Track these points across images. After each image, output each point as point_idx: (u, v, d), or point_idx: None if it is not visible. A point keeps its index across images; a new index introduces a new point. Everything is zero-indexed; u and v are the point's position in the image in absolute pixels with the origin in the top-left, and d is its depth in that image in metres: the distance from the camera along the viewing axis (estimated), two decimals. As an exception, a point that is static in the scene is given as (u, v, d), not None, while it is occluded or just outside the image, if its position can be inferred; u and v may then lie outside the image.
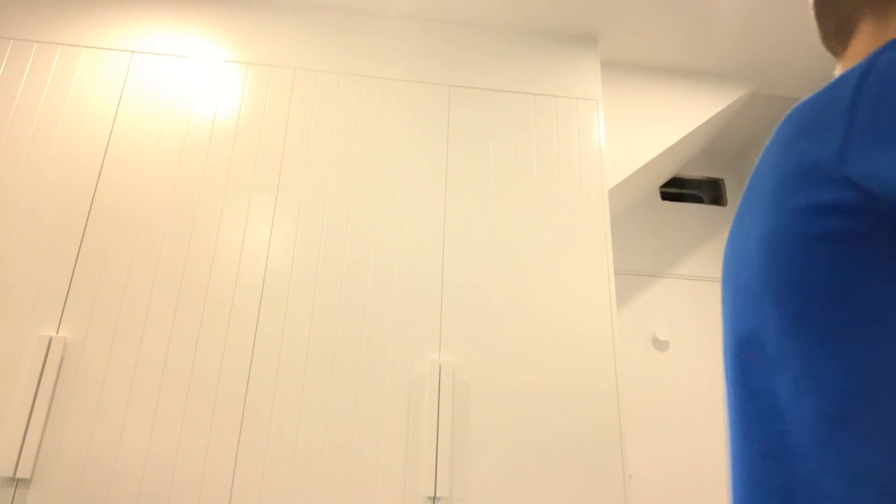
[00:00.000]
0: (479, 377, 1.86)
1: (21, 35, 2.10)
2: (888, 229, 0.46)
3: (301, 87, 2.15)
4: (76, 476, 1.66)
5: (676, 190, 3.18)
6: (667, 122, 2.49)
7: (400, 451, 1.77)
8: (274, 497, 1.69)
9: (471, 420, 1.82)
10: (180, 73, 2.12)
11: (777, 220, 0.52)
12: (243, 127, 2.07)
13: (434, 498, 1.72)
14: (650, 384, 2.75)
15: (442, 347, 1.88)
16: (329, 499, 1.70)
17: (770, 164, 0.55)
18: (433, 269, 1.97)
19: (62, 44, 2.10)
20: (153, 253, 1.89)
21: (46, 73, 2.06)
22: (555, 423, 1.84)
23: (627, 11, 2.28)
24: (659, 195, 3.13)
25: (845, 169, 0.46)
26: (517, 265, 2.01)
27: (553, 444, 1.82)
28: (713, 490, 2.62)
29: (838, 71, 0.61)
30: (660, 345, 2.82)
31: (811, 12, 0.67)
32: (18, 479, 1.63)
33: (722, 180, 3.22)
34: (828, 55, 2.44)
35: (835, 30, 0.63)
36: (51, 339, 1.74)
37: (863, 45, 0.59)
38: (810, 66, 2.53)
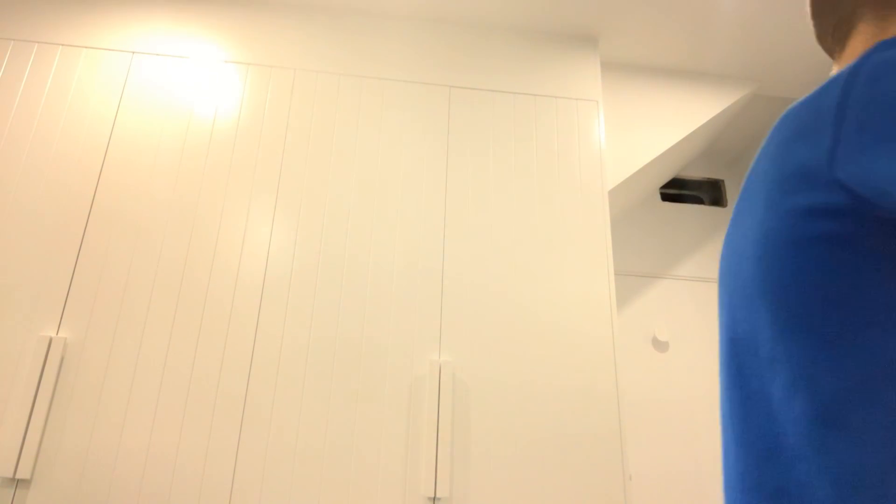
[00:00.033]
0: (479, 377, 1.86)
1: (21, 35, 2.10)
2: (879, 232, 0.46)
3: (301, 88, 2.15)
4: (76, 476, 1.66)
5: (676, 191, 3.18)
6: (667, 122, 2.49)
7: (400, 452, 1.77)
8: (274, 497, 1.69)
9: (471, 420, 1.82)
10: (180, 73, 2.12)
11: (771, 222, 0.52)
12: (243, 127, 2.07)
13: (434, 498, 1.72)
14: (650, 385, 2.75)
15: (442, 348, 1.88)
16: (329, 499, 1.70)
17: (764, 167, 0.55)
18: (433, 270, 1.97)
19: (62, 44, 2.11)
20: (153, 253, 1.89)
21: (47, 73, 2.06)
22: (555, 424, 1.84)
23: (627, 11, 2.28)
24: (659, 196, 3.13)
25: (835, 172, 0.46)
26: (517, 266, 2.01)
27: (553, 445, 1.82)
28: (713, 490, 2.62)
29: (834, 71, 0.61)
30: (660, 345, 2.82)
31: (808, 11, 0.67)
32: (18, 480, 1.63)
33: (722, 181, 3.22)
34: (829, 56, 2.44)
35: (833, 29, 0.63)
36: (51, 340, 1.74)
37: (861, 46, 0.59)
38: (810, 66, 2.53)
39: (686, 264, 3.00)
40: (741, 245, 0.56)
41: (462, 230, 2.03)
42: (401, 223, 2.01)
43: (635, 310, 2.88)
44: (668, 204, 3.12)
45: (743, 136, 3.09)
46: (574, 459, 1.81)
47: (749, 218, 0.56)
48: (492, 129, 2.18)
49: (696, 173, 3.20)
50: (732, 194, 3.19)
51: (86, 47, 2.11)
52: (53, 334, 1.77)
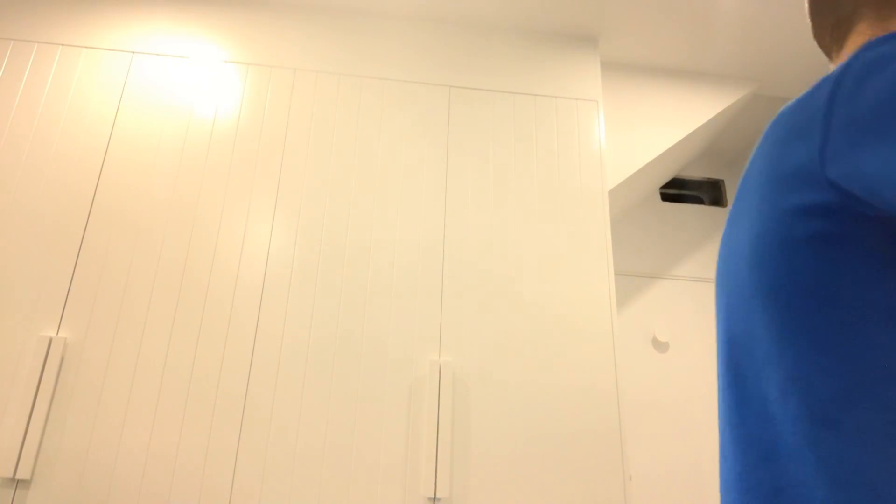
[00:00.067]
0: (479, 377, 1.86)
1: (21, 35, 2.10)
2: (871, 230, 0.46)
3: (301, 88, 2.15)
4: (76, 476, 1.66)
5: (676, 191, 3.18)
6: (667, 122, 2.49)
7: (400, 451, 1.77)
8: (274, 497, 1.69)
9: (471, 420, 1.82)
10: (180, 73, 2.12)
11: (765, 222, 0.52)
12: (243, 127, 2.07)
13: (434, 498, 1.72)
14: (650, 385, 2.75)
15: (442, 347, 1.88)
16: (329, 499, 1.70)
17: (759, 167, 0.55)
18: (433, 270, 1.97)
19: (62, 44, 2.11)
20: (153, 253, 1.89)
21: (47, 73, 2.06)
22: (555, 424, 1.84)
23: (627, 11, 2.28)
24: (659, 196, 3.13)
25: (827, 171, 0.46)
26: (517, 266, 2.01)
27: (553, 445, 1.82)
28: (713, 490, 2.62)
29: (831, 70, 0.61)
30: (660, 346, 2.82)
31: (806, 9, 0.67)
32: (18, 480, 1.63)
33: (722, 181, 3.22)
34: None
35: (831, 29, 0.63)
36: (51, 340, 1.74)
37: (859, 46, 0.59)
38: (810, 66, 2.53)
39: (686, 264, 3.00)
40: (737, 246, 0.57)
41: (462, 230, 2.02)
42: (401, 223, 2.01)
43: (635, 310, 2.88)
44: (668, 204, 3.12)
45: (743, 136, 3.09)
46: (574, 460, 1.81)
47: (744, 218, 0.56)
48: (492, 129, 2.18)
49: (696, 173, 3.20)
50: (732, 194, 3.19)
51: (86, 47, 2.11)
52: (53, 334, 1.77)
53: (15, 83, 2.03)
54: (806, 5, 0.66)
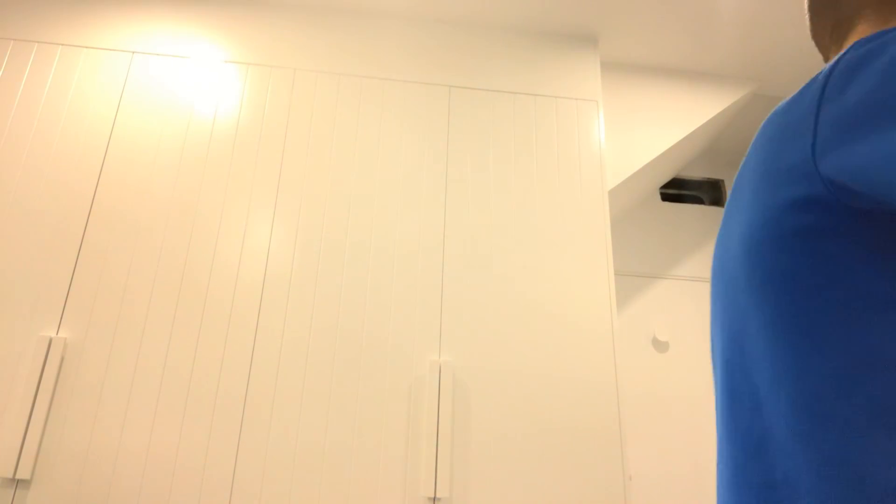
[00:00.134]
0: (479, 377, 1.86)
1: (21, 35, 2.10)
2: (860, 223, 0.46)
3: (301, 88, 2.15)
4: (76, 476, 1.66)
5: (676, 191, 3.18)
6: (667, 122, 2.49)
7: (400, 452, 1.77)
8: (274, 497, 1.69)
9: (471, 420, 1.82)
10: (180, 73, 2.12)
11: (757, 217, 0.52)
12: (243, 127, 2.07)
13: (434, 498, 1.72)
14: (650, 385, 2.75)
15: (442, 347, 1.88)
16: (329, 499, 1.70)
17: (752, 166, 0.55)
18: (433, 270, 1.97)
19: (62, 44, 2.11)
20: (153, 253, 1.89)
21: (47, 73, 2.06)
22: (555, 424, 1.84)
23: (627, 11, 2.28)
24: (659, 196, 3.13)
25: (819, 165, 0.46)
26: (517, 266, 2.01)
27: (553, 445, 1.82)
28: (713, 490, 2.62)
29: None
30: (660, 345, 2.82)
31: (805, 9, 0.67)
32: (18, 480, 1.63)
33: (722, 181, 3.22)
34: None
35: (831, 29, 0.63)
36: (51, 340, 1.74)
37: None
38: (810, 66, 2.53)
39: (686, 264, 3.00)
40: (730, 242, 0.57)
41: (462, 230, 2.02)
42: (400, 223, 2.01)
43: (635, 310, 2.88)
44: (668, 204, 3.12)
45: (743, 136, 3.09)
46: (574, 459, 1.81)
47: (738, 215, 0.56)
48: (492, 129, 2.18)
49: (696, 173, 3.20)
50: (732, 194, 3.19)
51: (86, 47, 2.11)
52: (53, 334, 1.77)
53: (15, 83, 2.03)
54: (805, 5, 0.66)
